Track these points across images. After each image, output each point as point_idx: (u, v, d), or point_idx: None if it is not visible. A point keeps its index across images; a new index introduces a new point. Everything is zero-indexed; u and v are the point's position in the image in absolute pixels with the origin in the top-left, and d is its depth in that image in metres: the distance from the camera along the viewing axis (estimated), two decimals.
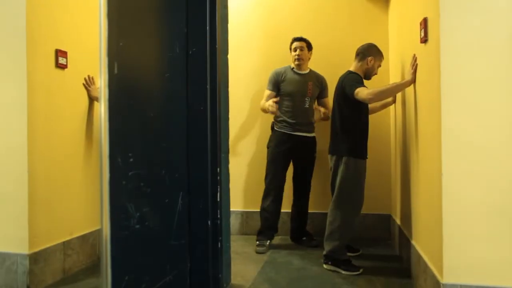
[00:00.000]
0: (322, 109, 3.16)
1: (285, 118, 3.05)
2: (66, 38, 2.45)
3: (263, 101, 3.09)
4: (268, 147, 3.13)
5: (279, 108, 3.05)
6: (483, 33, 1.66)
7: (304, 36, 3.11)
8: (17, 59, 2.18)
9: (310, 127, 3.12)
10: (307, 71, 3.14)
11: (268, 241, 3.04)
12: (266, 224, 3.05)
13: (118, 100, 1.43)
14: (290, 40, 3.10)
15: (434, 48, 1.78)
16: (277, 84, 3.09)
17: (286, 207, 3.21)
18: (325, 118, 3.11)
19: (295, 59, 3.07)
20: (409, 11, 2.41)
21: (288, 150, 3.05)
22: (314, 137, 3.15)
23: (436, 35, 1.75)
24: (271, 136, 3.15)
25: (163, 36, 1.86)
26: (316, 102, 3.20)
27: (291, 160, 3.12)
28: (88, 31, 2.61)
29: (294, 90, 3.06)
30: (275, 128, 3.11)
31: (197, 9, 2.04)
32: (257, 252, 2.94)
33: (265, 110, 3.06)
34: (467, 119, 1.67)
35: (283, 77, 3.09)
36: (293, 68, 3.12)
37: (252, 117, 3.47)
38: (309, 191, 3.17)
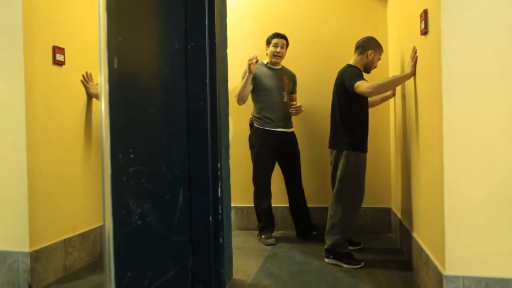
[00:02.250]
0: (295, 103, 3.13)
1: (265, 114, 3.04)
2: (63, 34, 2.43)
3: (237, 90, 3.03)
4: (251, 146, 3.12)
5: (257, 104, 3.07)
6: (484, 24, 1.65)
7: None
8: (14, 56, 2.16)
9: (289, 122, 3.15)
10: (280, 66, 3.16)
11: (273, 233, 3.09)
12: (267, 219, 3.09)
13: (119, 95, 1.41)
14: (270, 35, 3.08)
15: (435, 40, 1.77)
16: (253, 79, 3.06)
17: (284, 202, 3.21)
18: (297, 111, 3.10)
19: (273, 55, 3.07)
20: (408, 2, 2.40)
21: (274, 148, 3.05)
22: (293, 132, 3.16)
23: (436, 27, 1.74)
24: (251, 134, 3.13)
25: (161, 31, 1.84)
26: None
27: (277, 158, 3.11)
28: (85, 27, 2.59)
29: (272, 85, 3.06)
30: (256, 125, 3.09)
31: (196, 4, 2.03)
32: (268, 244, 2.98)
33: (242, 91, 2.95)
34: (468, 111, 1.67)
35: (257, 73, 3.07)
36: (267, 63, 3.12)
37: (249, 112, 3.46)
38: (302, 184, 3.17)
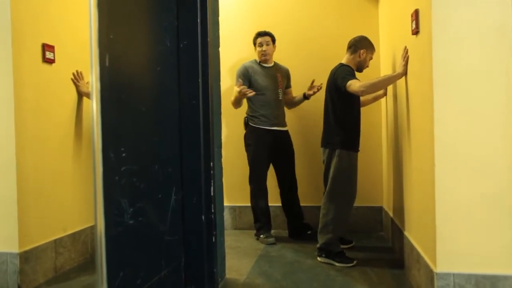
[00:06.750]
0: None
1: (261, 112, 3.04)
2: (53, 32, 2.39)
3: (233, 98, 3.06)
4: (248, 145, 3.10)
5: (252, 103, 3.05)
6: (474, 24, 1.67)
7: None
8: (2, 54, 2.12)
9: (284, 120, 3.15)
10: (272, 64, 3.16)
11: (271, 232, 3.10)
12: (264, 219, 3.09)
13: (110, 93, 1.40)
14: (254, 35, 3.10)
15: (426, 40, 1.79)
16: (248, 78, 3.07)
17: (277, 201, 3.21)
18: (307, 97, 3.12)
19: (261, 55, 3.08)
20: (400, 2, 2.41)
21: (270, 147, 3.05)
22: (287, 130, 3.17)
23: (427, 27, 1.76)
24: (247, 134, 3.11)
25: (153, 29, 1.83)
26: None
27: (272, 157, 3.10)
28: (76, 24, 2.56)
29: (266, 84, 3.06)
30: (251, 124, 3.07)
31: (188, 2, 2.01)
32: (269, 244, 2.97)
33: (237, 101, 3.01)
34: (459, 110, 1.69)
35: (252, 71, 3.07)
36: (259, 62, 3.13)
37: (242, 111, 3.45)
38: (296, 183, 3.16)
